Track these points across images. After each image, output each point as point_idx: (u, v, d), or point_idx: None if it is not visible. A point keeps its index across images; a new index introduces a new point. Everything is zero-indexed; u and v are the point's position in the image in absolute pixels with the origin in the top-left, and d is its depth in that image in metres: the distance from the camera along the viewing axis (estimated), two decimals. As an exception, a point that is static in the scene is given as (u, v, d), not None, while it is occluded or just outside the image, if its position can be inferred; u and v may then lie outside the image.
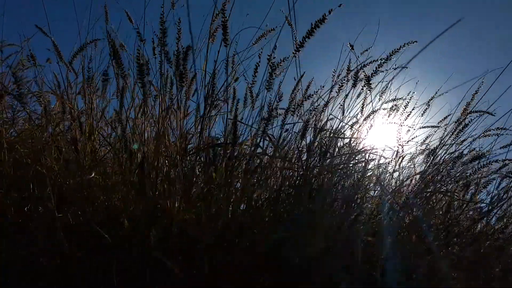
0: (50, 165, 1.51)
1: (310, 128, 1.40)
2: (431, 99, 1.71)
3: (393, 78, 1.45)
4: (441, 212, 1.66)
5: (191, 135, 1.38)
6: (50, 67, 2.06)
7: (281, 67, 1.29)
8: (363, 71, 1.32)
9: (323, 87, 1.52)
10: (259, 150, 1.48)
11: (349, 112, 1.55)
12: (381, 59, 1.29)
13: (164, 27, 1.10)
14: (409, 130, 1.69)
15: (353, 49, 1.39)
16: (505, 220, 1.89)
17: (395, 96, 1.63)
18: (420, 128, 1.73)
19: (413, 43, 1.28)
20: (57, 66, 1.78)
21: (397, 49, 1.27)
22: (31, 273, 1.36)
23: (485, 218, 1.87)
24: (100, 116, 1.81)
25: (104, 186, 1.35)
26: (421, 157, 1.69)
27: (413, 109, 1.70)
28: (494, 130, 1.59)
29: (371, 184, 1.58)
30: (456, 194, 1.63)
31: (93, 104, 1.71)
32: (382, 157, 1.61)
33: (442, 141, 1.55)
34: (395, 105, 1.62)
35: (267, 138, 1.36)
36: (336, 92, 1.43)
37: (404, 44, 1.27)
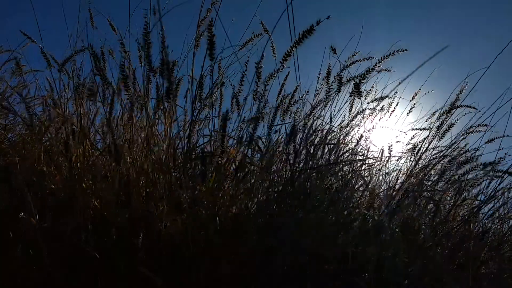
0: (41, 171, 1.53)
1: (299, 132, 1.41)
2: (415, 95, 1.72)
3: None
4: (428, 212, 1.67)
5: (179, 140, 1.40)
6: (46, 72, 2.08)
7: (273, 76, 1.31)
8: (353, 79, 1.32)
9: (307, 92, 1.54)
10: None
11: (338, 113, 1.57)
12: (370, 68, 1.29)
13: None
14: (395, 132, 1.70)
15: (335, 53, 1.41)
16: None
17: (381, 95, 1.64)
18: (410, 130, 1.75)
19: (403, 51, 1.30)
20: (54, 71, 1.81)
21: (386, 56, 1.28)
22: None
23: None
24: (91, 122, 1.83)
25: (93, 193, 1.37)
26: (408, 155, 1.69)
27: (396, 106, 1.71)
28: (477, 127, 1.61)
29: (359, 184, 1.59)
30: (442, 192, 1.64)
31: (83, 109, 1.73)
32: (369, 158, 1.63)
33: (428, 139, 1.57)
34: (382, 105, 1.62)
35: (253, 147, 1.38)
36: (324, 98, 1.45)
37: (394, 52, 1.29)
